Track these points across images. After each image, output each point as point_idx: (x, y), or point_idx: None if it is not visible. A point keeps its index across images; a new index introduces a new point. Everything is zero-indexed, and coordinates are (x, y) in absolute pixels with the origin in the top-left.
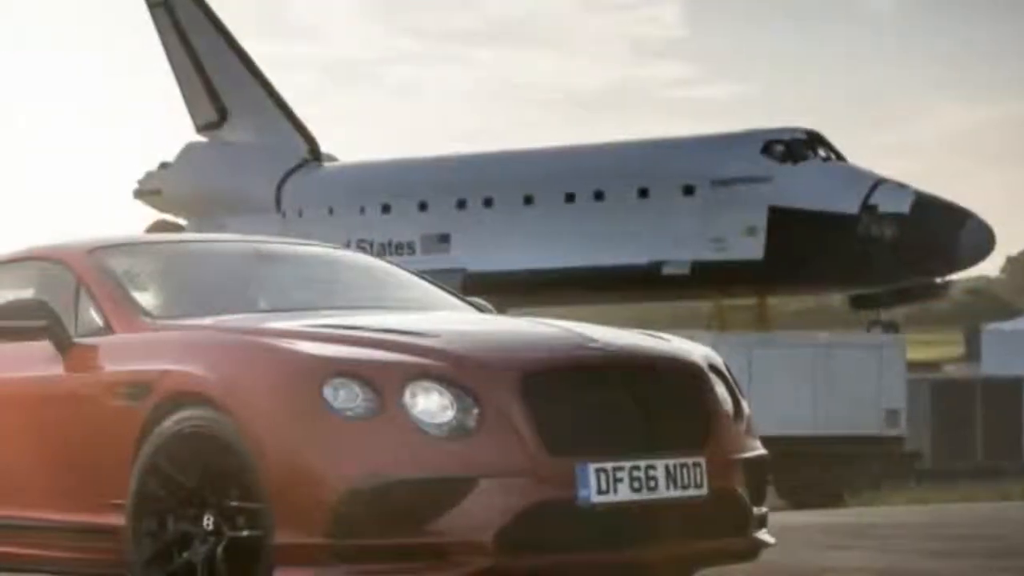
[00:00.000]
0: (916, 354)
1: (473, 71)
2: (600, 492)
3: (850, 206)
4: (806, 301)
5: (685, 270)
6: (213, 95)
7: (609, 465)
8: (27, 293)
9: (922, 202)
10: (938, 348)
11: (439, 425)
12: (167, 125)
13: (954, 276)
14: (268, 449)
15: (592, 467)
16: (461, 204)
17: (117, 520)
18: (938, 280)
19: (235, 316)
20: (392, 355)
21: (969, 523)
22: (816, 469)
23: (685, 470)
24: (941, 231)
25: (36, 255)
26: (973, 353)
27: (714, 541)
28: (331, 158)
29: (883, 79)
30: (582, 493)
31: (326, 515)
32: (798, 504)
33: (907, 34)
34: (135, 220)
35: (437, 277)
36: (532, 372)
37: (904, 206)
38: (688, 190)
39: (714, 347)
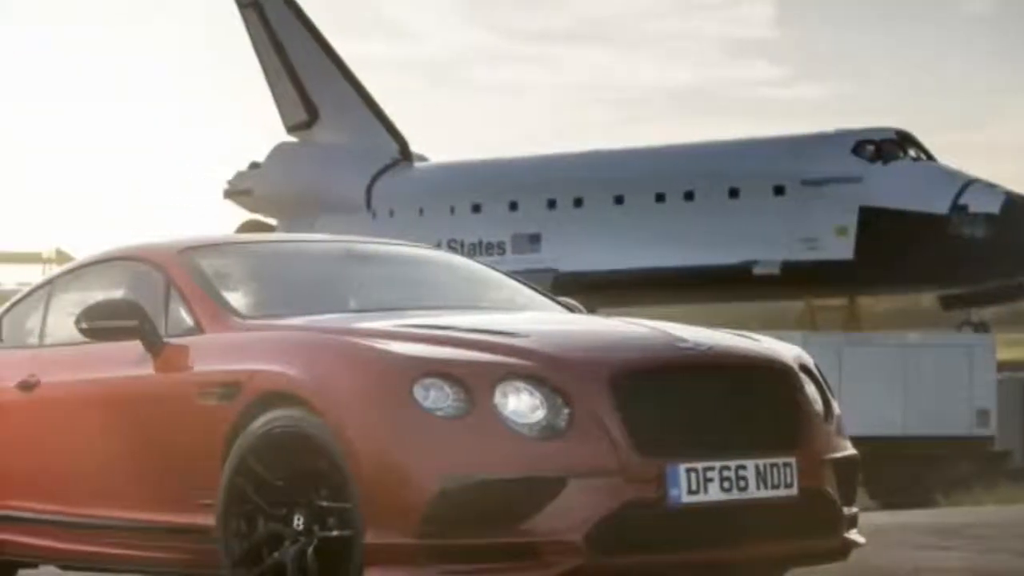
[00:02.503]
0: (1006, 354)
1: (563, 70)
2: (690, 492)
3: (941, 206)
4: (896, 301)
5: (776, 270)
6: (303, 95)
7: (699, 465)
8: (117, 293)
9: (1013, 202)
10: None
11: (530, 425)
12: (257, 125)
13: None
14: (359, 449)
15: (683, 467)
16: (551, 204)
17: (207, 520)
18: None
19: (325, 316)
20: (483, 355)
21: None
22: (906, 469)
23: (775, 470)
24: None
25: (126, 255)
26: None
27: (804, 541)
28: (421, 158)
29: (973, 79)
30: (672, 493)
31: (417, 515)
32: (888, 504)
33: (998, 33)
34: (225, 220)
35: (528, 277)
36: (623, 372)
37: (995, 206)
38: (779, 190)
39: (804, 347)
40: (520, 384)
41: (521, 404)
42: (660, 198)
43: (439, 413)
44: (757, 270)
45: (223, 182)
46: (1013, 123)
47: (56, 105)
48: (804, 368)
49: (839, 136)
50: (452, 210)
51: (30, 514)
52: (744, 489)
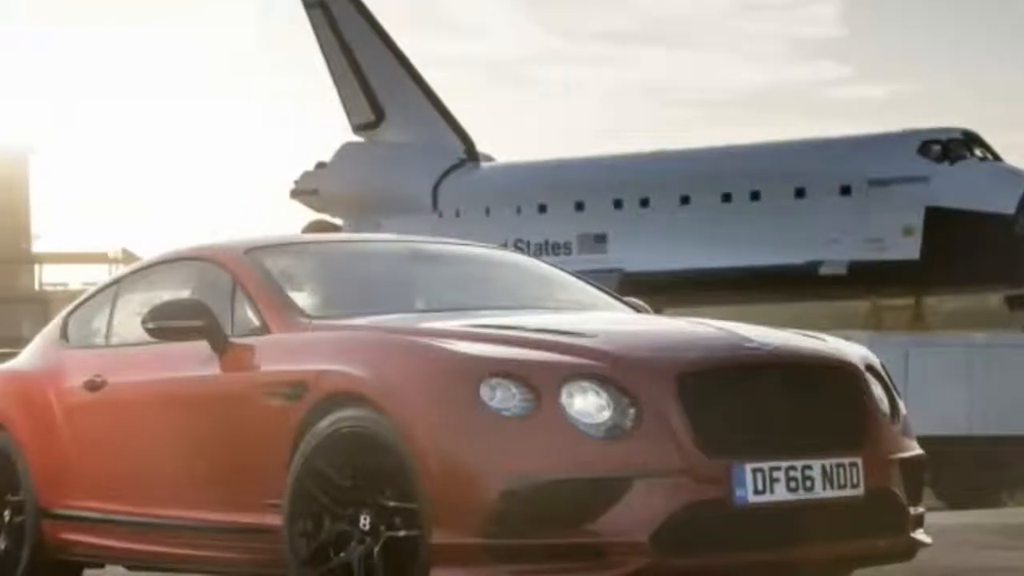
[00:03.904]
0: None
1: (630, 70)
2: (756, 492)
3: (1007, 206)
4: (962, 301)
5: (842, 270)
6: (370, 95)
7: (766, 465)
8: (184, 293)
9: None
10: None
11: (596, 425)
12: (324, 125)
13: None
14: (425, 449)
15: (749, 467)
16: (618, 204)
17: (273, 520)
18: None
19: (392, 316)
20: (549, 355)
21: None
22: (972, 469)
23: (842, 470)
24: None
25: (192, 255)
26: None
27: (870, 541)
28: (488, 158)
29: None
30: (738, 493)
31: (483, 515)
32: (955, 504)
33: None
34: (292, 220)
35: (594, 277)
36: (689, 372)
37: None
38: (845, 190)
39: (870, 347)
40: (586, 384)
41: (587, 404)
42: (726, 198)
43: (505, 413)
44: (823, 270)
45: (289, 182)
46: None
47: (114, 105)
48: (870, 368)
49: (905, 136)
50: (518, 210)
51: (96, 514)
52: (810, 489)
